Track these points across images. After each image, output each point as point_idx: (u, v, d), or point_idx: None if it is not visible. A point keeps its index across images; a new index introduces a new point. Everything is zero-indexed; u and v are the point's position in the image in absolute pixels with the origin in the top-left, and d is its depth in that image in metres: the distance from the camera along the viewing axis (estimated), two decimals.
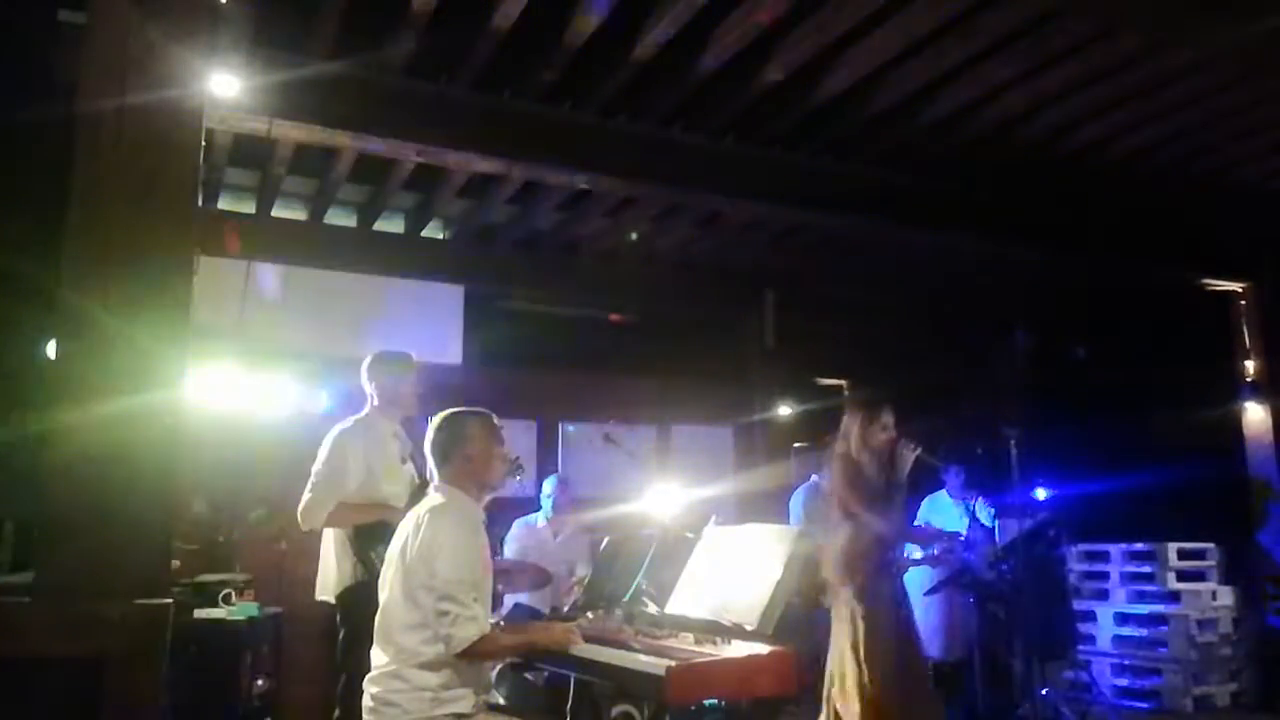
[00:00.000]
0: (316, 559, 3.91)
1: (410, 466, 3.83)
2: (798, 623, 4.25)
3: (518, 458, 4.48)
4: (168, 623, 2.20)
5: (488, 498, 3.07)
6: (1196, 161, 5.79)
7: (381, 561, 3.05)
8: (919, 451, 4.23)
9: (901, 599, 4.16)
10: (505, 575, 4.31)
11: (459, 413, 3.02)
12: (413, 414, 3.98)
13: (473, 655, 2.73)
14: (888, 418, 4.23)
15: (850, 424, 4.29)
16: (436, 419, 3.02)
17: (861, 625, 3.98)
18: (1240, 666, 6.56)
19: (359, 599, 3.45)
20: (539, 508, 5.50)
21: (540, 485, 5.67)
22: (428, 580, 2.73)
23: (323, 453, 3.74)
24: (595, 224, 6.65)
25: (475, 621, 2.70)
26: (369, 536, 3.57)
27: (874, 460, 4.17)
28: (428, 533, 2.79)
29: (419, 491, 3.68)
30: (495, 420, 3.06)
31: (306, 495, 3.68)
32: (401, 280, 6.63)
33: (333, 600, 3.75)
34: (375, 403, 3.92)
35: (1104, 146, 5.54)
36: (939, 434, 6.54)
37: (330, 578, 3.77)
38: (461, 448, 2.95)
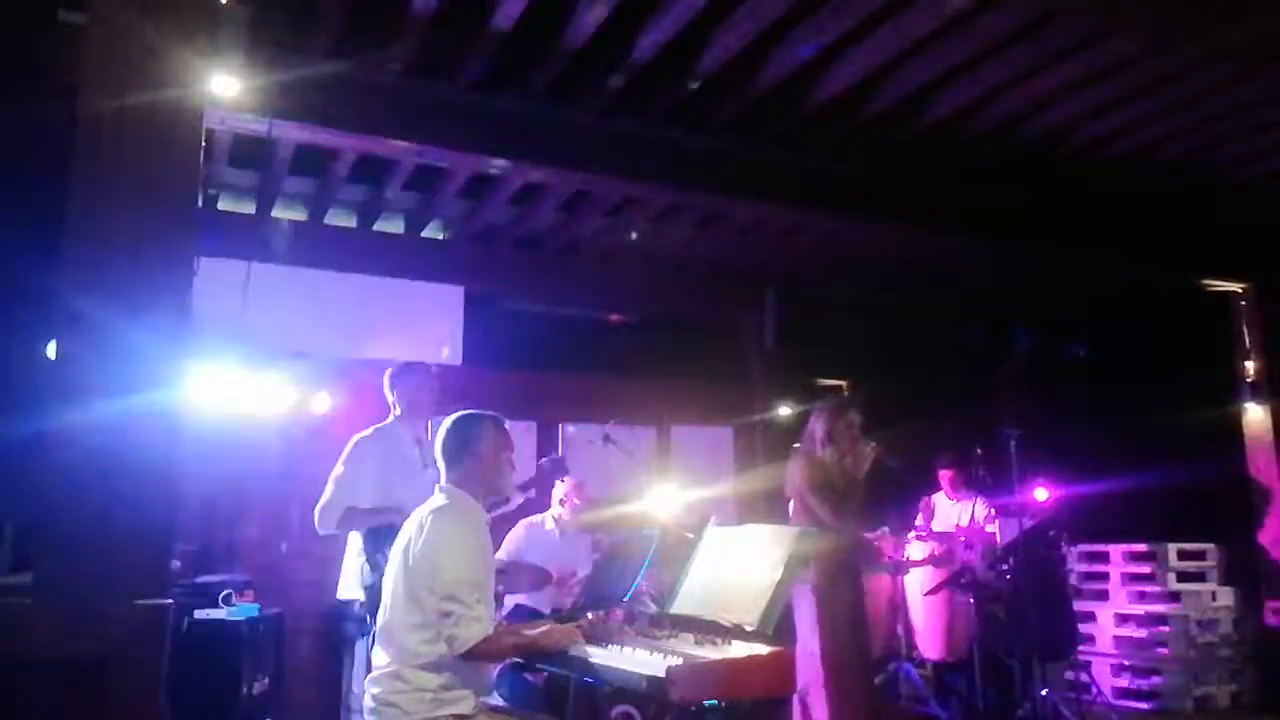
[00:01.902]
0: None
1: (433, 471, 3.90)
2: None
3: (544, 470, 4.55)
4: (168, 623, 2.20)
5: (498, 506, 3.07)
6: (1196, 161, 5.79)
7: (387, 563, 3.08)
8: (878, 452, 4.23)
9: (858, 602, 4.13)
10: (505, 575, 4.31)
11: (470, 415, 3.03)
12: (429, 418, 4.12)
13: (476, 656, 2.73)
14: (855, 417, 4.25)
15: (816, 424, 4.31)
16: (447, 420, 3.03)
17: (815, 624, 3.99)
18: (1240, 667, 6.56)
19: (378, 598, 3.53)
20: (545, 508, 5.47)
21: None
22: (430, 581, 2.73)
23: (341, 459, 3.94)
24: (595, 224, 6.65)
25: (479, 622, 2.70)
26: (378, 539, 3.63)
27: (838, 461, 4.17)
28: (431, 533, 2.79)
29: None
30: (506, 424, 3.06)
31: (322, 499, 3.87)
32: (401, 280, 6.63)
33: (361, 598, 3.85)
34: (398, 412, 4.11)
35: (1104, 146, 5.54)
36: (939, 434, 6.57)
37: (354, 577, 3.89)
38: (471, 449, 2.96)
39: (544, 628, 3.03)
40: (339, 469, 3.92)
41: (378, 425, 4.08)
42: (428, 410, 4.15)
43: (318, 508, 3.86)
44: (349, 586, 3.99)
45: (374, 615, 3.67)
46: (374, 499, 3.84)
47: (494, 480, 3.01)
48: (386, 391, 4.16)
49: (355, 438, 4.00)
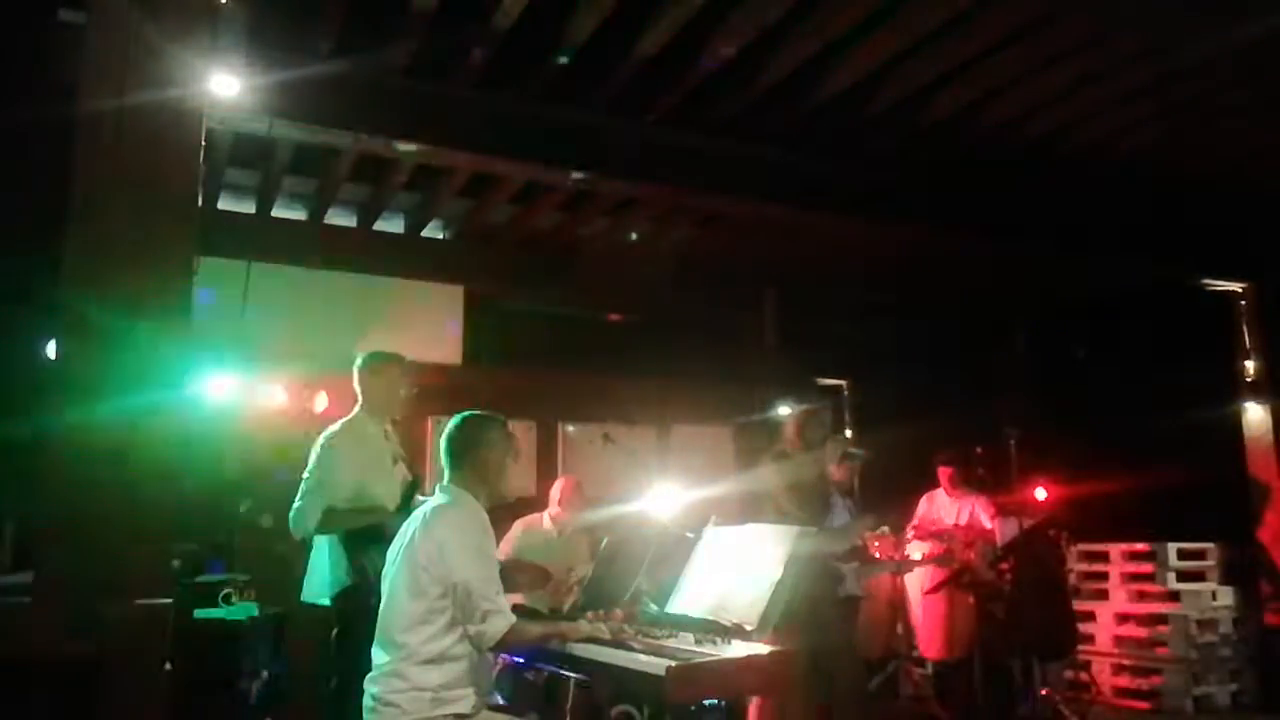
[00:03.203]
0: None
1: (401, 466, 3.84)
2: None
3: None
4: (168, 623, 2.20)
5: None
6: (1197, 161, 5.78)
7: (373, 566, 3.05)
8: (851, 450, 4.24)
9: (834, 602, 4.11)
10: (503, 575, 4.30)
11: (480, 417, 3.06)
12: (402, 415, 4.01)
13: (504, 646, 2.84)
14: (827, 417, 4.27)
15: (790, 425, 4.31)
16: (455, 420, 3.04)
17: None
18: (1240, 666, 6.55)
19: (353, 603, 3.45)
20: (543, 507, 5.47)
21: (540, 485, 5.65)
22: (442, 579, 2.74)
23: (311, 459, 3.75)
24: (595, 224, 6.65)
25: (503, 614, 2.77)
26: (361, 541, 3.55)
27: (812, 461, 4.18)
28: (440, 532, 2.81)
29: (410, 490, 3.69)
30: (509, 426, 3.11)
31: (296, 503, 3.68)
32: (401, 280, 6.63)
33: (327, 602, 3.74)
34: (363, 404, 3.93)
35: (1104, 146, 5.53)
36: (939, 434, 6.57)
37: (323, 580, 3.76)
38: (480, 452, 2.99)
39: (569, 624, 3.11)
40: (311, 470, 3.71)
41: (344, 420, 3.88)
42: (399, 405, 3.99)
43: (292, 512, 3.67)
44: (316, 590, 3.79)
45: (342, 618, 3.62)
46: (352, 497, 3.67)
47: (497, 483, 3.04)
48: (355, 383, 3.95)
49: (324, 436, 3.80)
